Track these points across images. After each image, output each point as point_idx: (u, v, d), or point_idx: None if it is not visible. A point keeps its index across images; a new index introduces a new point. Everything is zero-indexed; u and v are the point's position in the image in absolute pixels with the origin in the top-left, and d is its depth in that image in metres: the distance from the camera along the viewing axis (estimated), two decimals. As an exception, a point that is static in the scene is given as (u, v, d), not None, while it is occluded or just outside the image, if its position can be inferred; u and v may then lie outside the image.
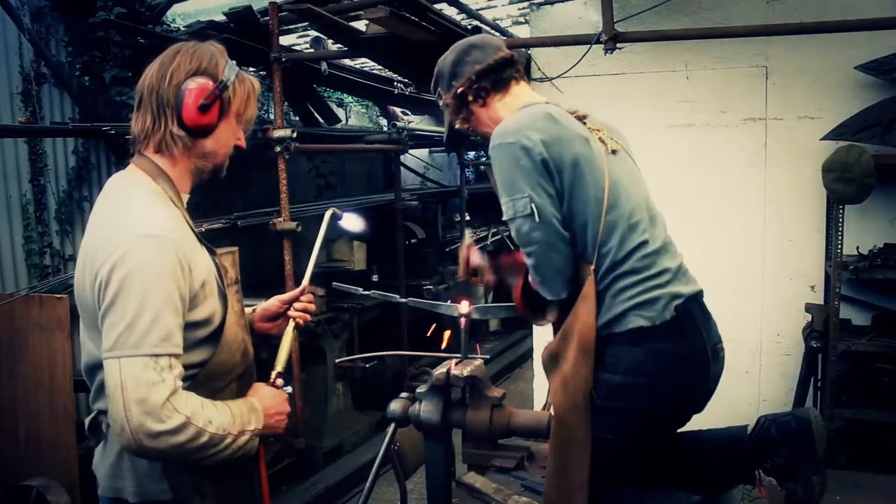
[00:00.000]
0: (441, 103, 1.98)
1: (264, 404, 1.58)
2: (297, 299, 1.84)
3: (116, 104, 4.60)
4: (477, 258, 2.10)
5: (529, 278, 1.81)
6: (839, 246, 3.47)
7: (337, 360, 5.00)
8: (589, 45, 3.52)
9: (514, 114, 1.82)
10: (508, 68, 1.90)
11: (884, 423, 3.58)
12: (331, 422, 5.08)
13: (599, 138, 1.82)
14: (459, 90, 1.89)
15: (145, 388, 1.32)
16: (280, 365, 1.73)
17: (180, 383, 1.39)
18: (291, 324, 1.82)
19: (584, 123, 1.84)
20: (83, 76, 4.54)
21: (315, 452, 4.79)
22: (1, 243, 4.21)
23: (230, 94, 1.55)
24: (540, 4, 4.41)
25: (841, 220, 3.47)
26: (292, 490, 4.27)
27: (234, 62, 1.59)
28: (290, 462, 4.50)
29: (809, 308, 3.80)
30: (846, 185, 3.36)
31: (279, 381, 1.68)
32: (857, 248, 3.74)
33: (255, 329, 1.80)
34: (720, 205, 4.04)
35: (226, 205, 5.34)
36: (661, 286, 1.72)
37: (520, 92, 1.92)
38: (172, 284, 1.38)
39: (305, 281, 1.88)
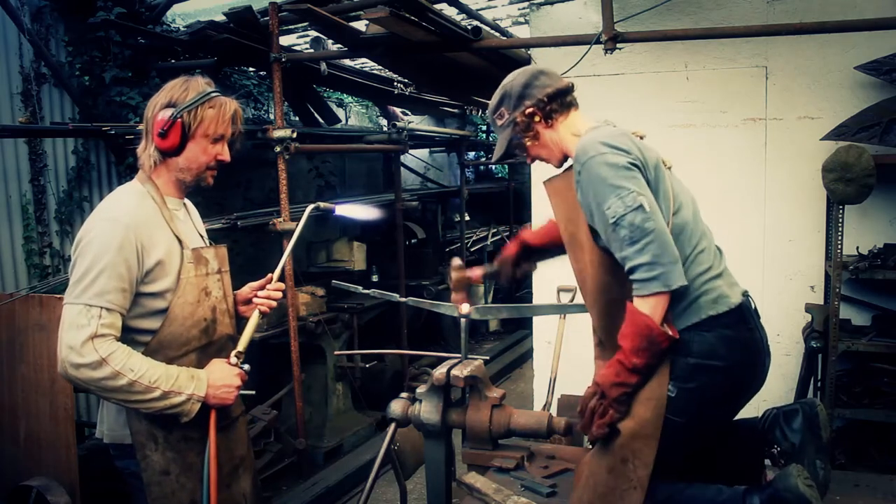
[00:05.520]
0: (502, 121, 2.07)
1: (212, 376, 1.86)
2: (263, 288, 2.11)
3: (116, 104, 4.59)
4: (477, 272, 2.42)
5: (638, 289, 1.73)
6: (839, 246, 3.46)
7: (336, 352, 5.02)
8: (589, 46, 3.52)
9: (583, 135, 1.92)
10: (570, 94, 2.05)
11: (884, 423, 3.58)
12: (331, 422, 5.08)
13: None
14: (530, 110, 2.00)
15: (75, 329, 1.70)
16: (240, 346, 1.97)
17: (109, 331, 1.73)
18: (256, 310, 2.07)
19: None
20: (83, 76, 4.54)
21: (315, 452, 4.79)
22: (1, 243, 4.22)
23: (191, 120, 1.87)
24: (540, 4, 4.41)
25: (841, 220, 3.47)
26: (292, 490, 4.26)
27: (209, 90, 1.91)
28: (290, 462, 4.50)
29: (809, 308, 3.80)
30: (846, 185, 3.36)
31: (233, 359, 1.93)
32: (857, 248, 3.74)
33: (238, 312, 2.12)
34: (720, 205, 4.04)
35: (226, 205, 5.34)
36: (722, 280, 1.87)
37: (579, 116, 2.06)
38: (119, 256, 1.75)
39: (276, 273, 2.14)
